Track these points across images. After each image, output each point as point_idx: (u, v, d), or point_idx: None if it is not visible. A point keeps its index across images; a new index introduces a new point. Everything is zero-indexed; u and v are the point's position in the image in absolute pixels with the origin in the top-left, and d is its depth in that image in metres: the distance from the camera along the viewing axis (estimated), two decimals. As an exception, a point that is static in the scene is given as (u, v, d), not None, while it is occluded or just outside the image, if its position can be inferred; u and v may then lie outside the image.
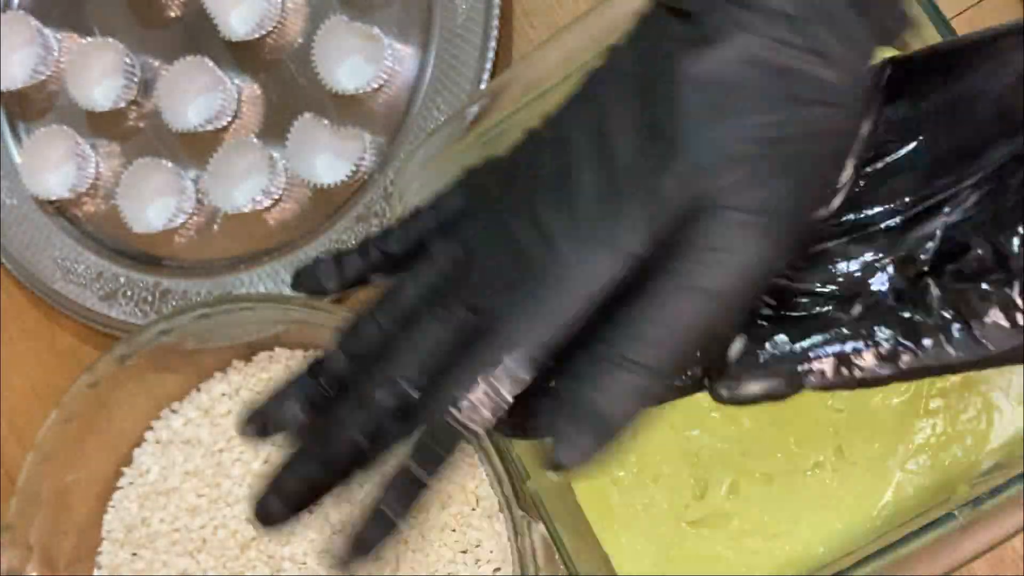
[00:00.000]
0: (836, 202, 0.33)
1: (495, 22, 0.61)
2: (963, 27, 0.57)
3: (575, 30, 0.53)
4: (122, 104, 0.69)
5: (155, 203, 0.68)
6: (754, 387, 0.34)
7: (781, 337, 0.34)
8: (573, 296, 0.31)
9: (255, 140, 0.65)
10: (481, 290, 0.34)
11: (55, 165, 0.70)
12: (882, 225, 0.35)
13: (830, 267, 0.35)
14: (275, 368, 0.64)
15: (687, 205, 0.30)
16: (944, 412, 0.52)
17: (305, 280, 0.41)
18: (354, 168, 0.63)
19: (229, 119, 0.68)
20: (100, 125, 0.71)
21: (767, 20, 0.29)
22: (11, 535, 0.63)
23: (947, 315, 0.32)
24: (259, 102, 0.68)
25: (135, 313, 0.68)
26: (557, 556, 0.54)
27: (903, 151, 0.34)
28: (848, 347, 0.33)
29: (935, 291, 0.32)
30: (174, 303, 0.67)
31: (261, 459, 0.62)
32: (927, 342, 0.32)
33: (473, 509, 0.59)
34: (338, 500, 0.60)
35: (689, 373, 0.34)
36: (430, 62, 0.63)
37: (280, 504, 0.37)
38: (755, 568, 0.54)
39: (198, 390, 0.66)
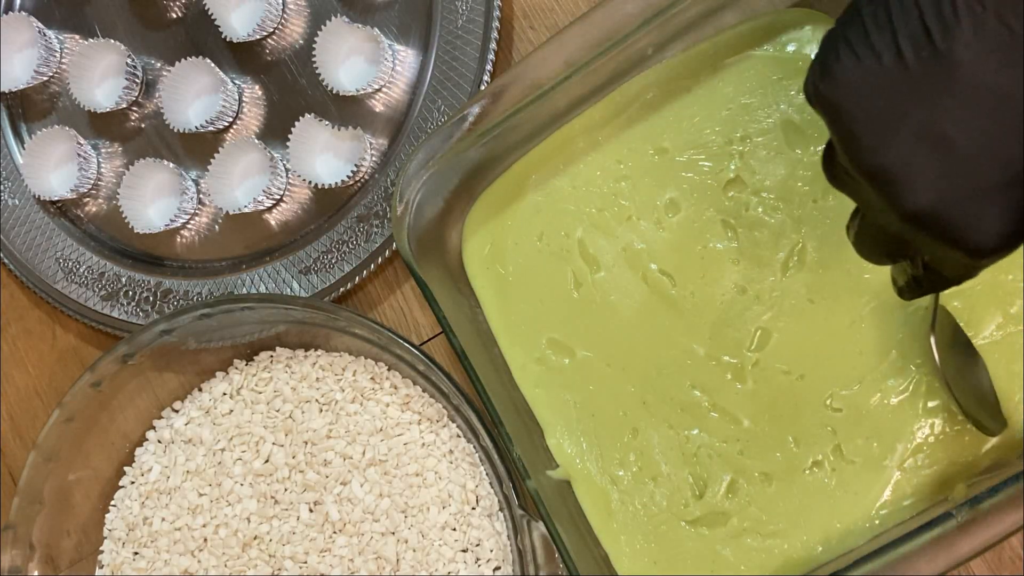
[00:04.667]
0: None
1: (495, 23, 0.61)
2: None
3: (574, 31, 0.54)
4: (124, 105, 0.69)
5: (157, 203, 0.68)
6: None
7: None
8: None
9: (256, 141, 0.65)
10: None
11: (57, 165, 0.70)
12: None
13: None
14: (276, 368, 0.64)
15: None
16: (942, 412, 0.53)
17: None
18: (355, 168, 0.63)
19: (230, 120, 0.68)
20: (102, 126, 0.71)
21: None
22: (13, 534, 0.63)
23: None
24: (260, 103, 0.68)
25: (137, 313, 0.68)
26: (557, 555, 0.54)
27: None
28: None
29: None
30: (175, 303, 0.67)
31: (262, 458, 0.62)
32: None
33: (473, 508, 0.59)
34: (339, 499, 0.61)
35: None
36: (430, 63, 0.63)
37: None
38: (753, 567, 0.54)
39: (199, 389, 0.66)
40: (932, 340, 0.50)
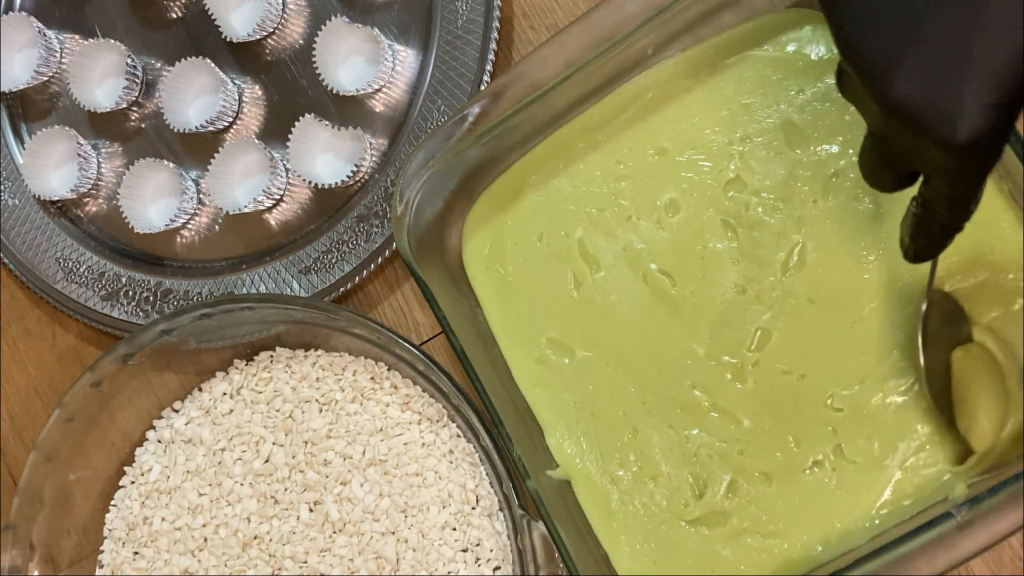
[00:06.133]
0: None
1: (495, 23, 0.61)
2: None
3: (574, 31, 0.54)
4: (124, 105, 0.69)
5: (157, 203, 0.68)
6: None
7: None
8: None
9: (256, 141, 0.65)
10: None
11: (57, 165, 0.70)
12: None
13: None
14: (276, 368, 0.64)
15: None
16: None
17: None
18: (355, 168, 0.63)
19: (230, 120, 0.68)
20: (102, 126, 0.71)
21: None
22: (13, 534, 0.63)
23: None
24: (260, 103, 0.68)
25: (137, 313, 0.68)
26: (557, 555, 0.54)
27: None
28: None
29: None
30: (176, 303, 0.67)
31: (262, 458, 0.62)
32: None
33: (473, 508, 0.59)
34: (339, 499, 0.61)
35: None
36: (430, 63, 0.63)
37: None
38: (753, 567, 0.54)
39: (200, 389, 0.66)
40: (919, 328, 0.51)
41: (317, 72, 0.64)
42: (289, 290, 0.65)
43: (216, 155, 0.65)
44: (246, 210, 0.65)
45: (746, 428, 0.55)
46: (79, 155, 0.69)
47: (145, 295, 0.68)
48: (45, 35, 0.70)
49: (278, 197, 0.67)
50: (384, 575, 0.59)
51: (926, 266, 0.53)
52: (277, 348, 0.65)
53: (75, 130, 0.69)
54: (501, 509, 0.59)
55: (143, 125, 0.70)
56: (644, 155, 0.58)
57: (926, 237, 0.44)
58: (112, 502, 0.66)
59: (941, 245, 0.44)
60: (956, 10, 0.35)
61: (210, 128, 0.67)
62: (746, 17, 0.56)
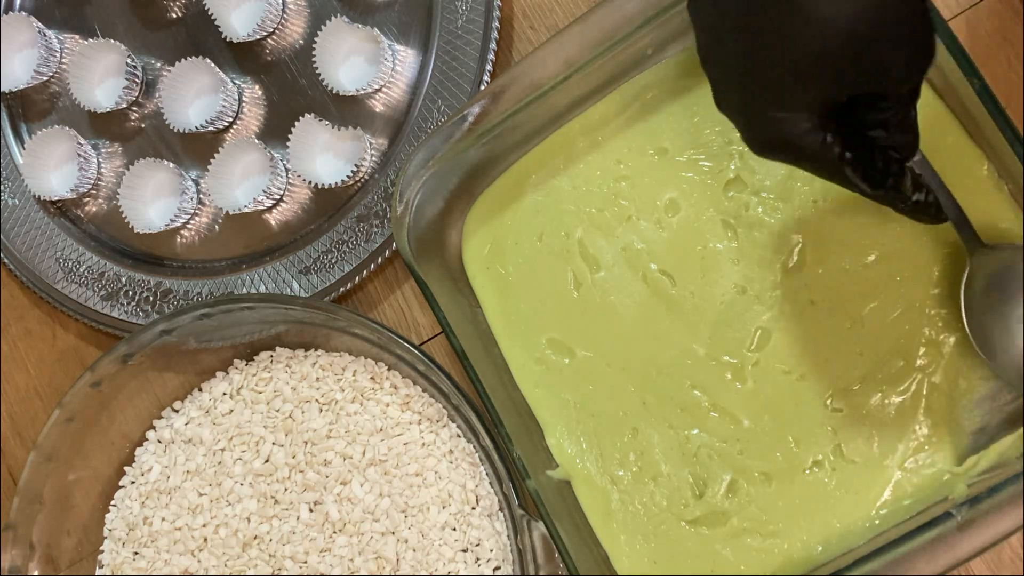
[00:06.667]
0: None
1: (495, 23, 0.61)
2: (961, 28, 0.57)
3: (574, 31, 0.54)
4: (124, 105, 0.69)
5: (157, 203, 0.68)
6: None
7: None
8: None
9: (256, 141, 0.65)
10: None
11: (57, 165, 0.70)
12: None
13: None
14: (276, 368, 0.64)
15: None
16: (944, 411, 0.53)
17: None
18: (355, 168, 0.63)
19: (230, 120, 0.68)
20: (102, 126, 0.71)
21: None
22: (13, 534, 0.63)
23: None
24: (260, 103, 0.68)
25: (137, 313, 0.68)
26: (557, 555, 0.54)
27: None
28: None
29: None
30: (175, 303, 0.67)
31: (262, 458, 0.62)
32: None
33: (473, 508, 0.59)
34: (339, 499, 0.61)
35: None
36: (430, 63, 0.63)
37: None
38: (753, 567, 0.54)
39: (200, 389, 0.66)
40: (962, 294, 0.51)
41: (317, 72, 0.64)
42: (289, 290, 0.65)
43: (216, 155, 0.65)
44: (246, 210, 0.65)
45: (746, 428, 0.55)
46: (79, 155, 0.69)
47: (145, 295, 0.68)
48: (45, 35, 0.70)
49: (278, 197, 0.67)
50: (384, 575, 0.59)
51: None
52: (277, 348, 0.65)
53: (75, 130, 0.69)
54: (501, 509, 0.59)
55: (143, 125, 0.70)
56: (644, 155, 0.58)
57: (906, 213, 0.45)
58: (112, 502, 0.66)
59: (926, 215, 0.45)
60: (757, 61, 0.41)
61: (210, 128, 0.67)
62: (746, 17, 0.56)
